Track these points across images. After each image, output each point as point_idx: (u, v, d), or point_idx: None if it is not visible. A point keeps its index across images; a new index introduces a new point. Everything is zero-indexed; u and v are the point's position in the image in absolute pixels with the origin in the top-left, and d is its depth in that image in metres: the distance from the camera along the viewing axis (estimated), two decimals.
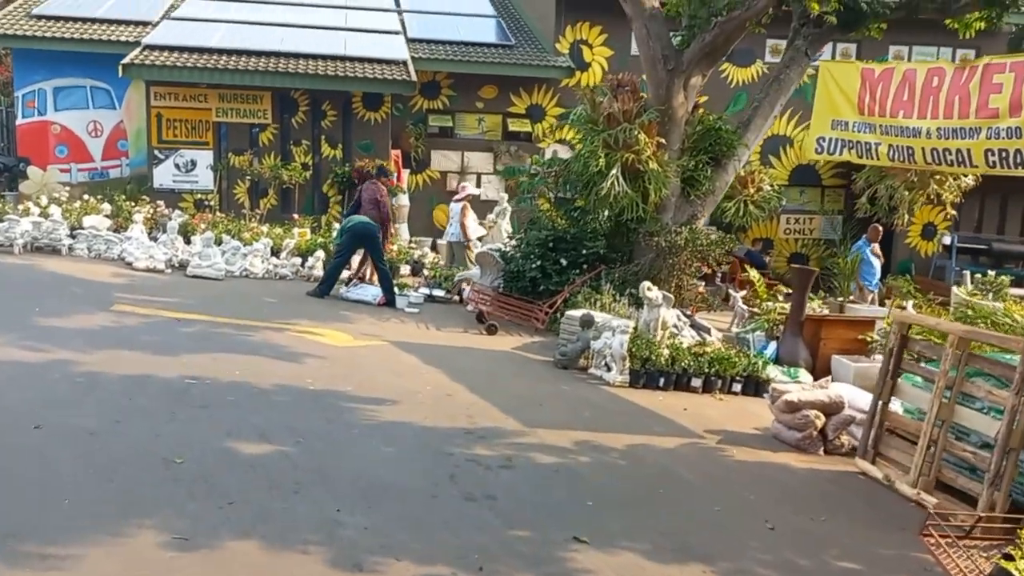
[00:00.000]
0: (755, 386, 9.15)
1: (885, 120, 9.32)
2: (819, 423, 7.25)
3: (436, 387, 7.91)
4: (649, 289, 9.87)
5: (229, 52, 15.69)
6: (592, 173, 11.19)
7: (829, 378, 7.75)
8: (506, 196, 16.96)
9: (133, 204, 14.26)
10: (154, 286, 11.06)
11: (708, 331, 11.07)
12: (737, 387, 9.10)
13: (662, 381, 8.94)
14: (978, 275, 13.82)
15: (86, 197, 14.68)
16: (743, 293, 13.16)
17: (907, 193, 12.04)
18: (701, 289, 12.76)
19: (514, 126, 18.31)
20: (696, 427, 7.63)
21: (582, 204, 12.00)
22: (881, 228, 11.98)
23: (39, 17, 17.17)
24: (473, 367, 8.90)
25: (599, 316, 9.77)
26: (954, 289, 11.79)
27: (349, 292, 11.81)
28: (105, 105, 17.49)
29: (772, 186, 13.49)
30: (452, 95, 18.02)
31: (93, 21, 17.28)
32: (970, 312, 10.36)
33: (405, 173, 17.44)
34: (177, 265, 12.34)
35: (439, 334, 10.42)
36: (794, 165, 18.63)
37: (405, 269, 14.50)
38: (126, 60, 14.84)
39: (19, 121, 17.25)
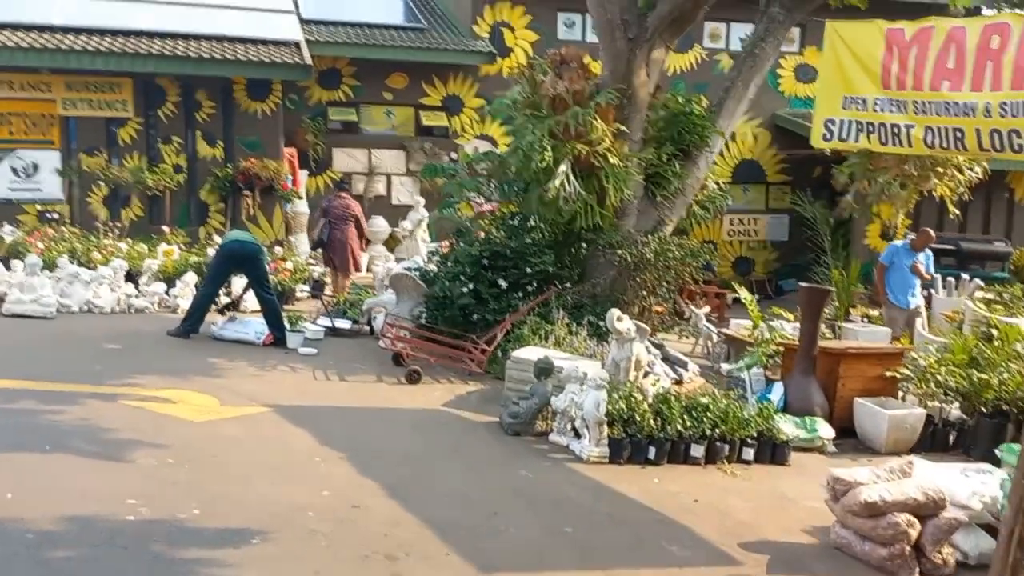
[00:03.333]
0: (771, 450, 6.58)
1: (922, 95, 6.90)
2: (913, 533, 4.69)
3: (336, 493, 5.01)
4: (619, 319, 7.17)
5: (77, 31, 12.28)
6: (535, 170, 8.46)
7: (911, 459, 5.27)
8: (422, 201, 14.12)
9: None
10: None
11: (685, 365, 8.50)
12: (749, 453, 6.50)
13: (652, 452, 6.26)
14: (951, 279, 11.79)
15: None
16: (705, 310, 10.64)
17: (902, 190, 9.77)
18: (658, 308, 10.15)
19: (428, 120, 15.43)
20: (725, 539, 4.96)
21: (521, 210, 9.24)
22: (933, 234, 9.48)
23: None
24: (390, 444, 6.05)
25: (561, 359, 7.04)
26: (966, 303, 9.54)
27: (224, 329, 8.75)
28: None
29: (717, 183, 11.02)
30: (356, 85, 15.01)
31: None
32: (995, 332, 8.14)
33: (302, 175, 14.36)
34: None
35: (343, 387, 7.50)
36: (737, 160, 16.38)
37: (303, 291, 11.48)
38: None
39: None
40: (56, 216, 12.17)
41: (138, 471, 5.03)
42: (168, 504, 4.58)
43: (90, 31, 12.29)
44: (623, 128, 8.65)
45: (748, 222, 16.81)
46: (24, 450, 5.09)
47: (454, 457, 5.95)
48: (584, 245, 9.02)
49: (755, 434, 6.54)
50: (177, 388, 6.82)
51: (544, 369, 6.78)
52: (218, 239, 12.24)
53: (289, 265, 11.56)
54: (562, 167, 8.44)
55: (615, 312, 7.20)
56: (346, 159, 15.09)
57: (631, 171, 8.73)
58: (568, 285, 8.87)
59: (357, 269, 11.47)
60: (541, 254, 8.75)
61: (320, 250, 11.32)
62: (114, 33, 12.34)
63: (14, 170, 12.29)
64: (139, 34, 12.46)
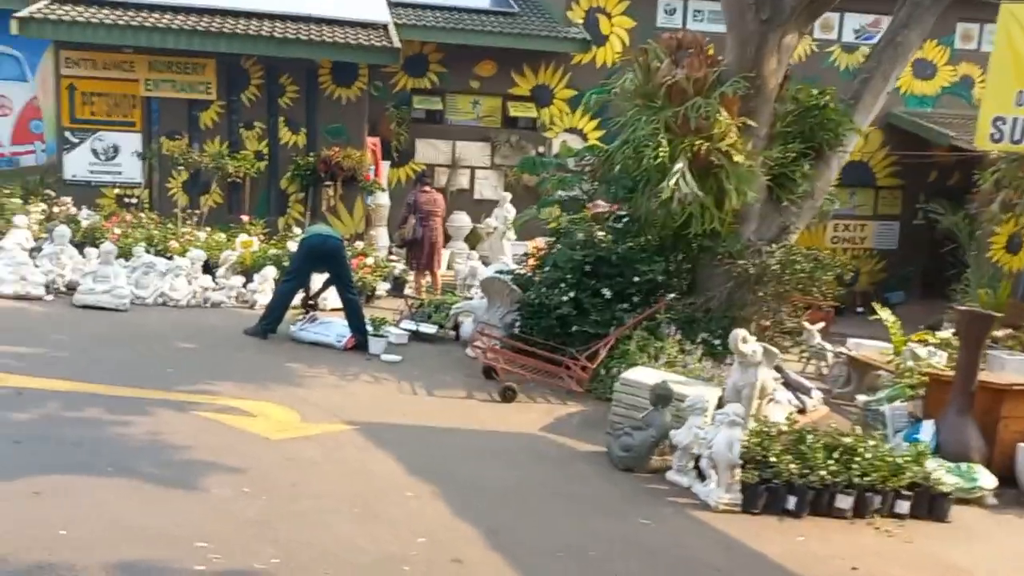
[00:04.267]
0: (928, 504, 5.62)
1: None
2: None
3: (432, 540, 4.28)
4: (744, 341, 6.29)
5: (163, 8, 11.85)
6: (646, 167, 7.60)
7: None
8: (508, 196, 13.36)
9: (24, 202, 10.45)
10: (13, 326, 7.33)
11: (808, 392, 7.57)
12: (903, 506, 5.56)
13: (792, 502, 5.37)
14: None
15: None
16: (819, 325, 9.61)
17: None
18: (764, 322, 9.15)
19: (516, 111, 14.64)
20: None
21: (627, 211, 8.37)
22: None
23: None
24: (487, 477, 5.31)
25: (675, 383, 6.19)
26: None
27: (304, 331, 8.14)
28: (14, 77, 13.62)
29: None
30: (442, 72, 14.31)
31: None
32: None
33: (384, 166, 13.75)
34: (64, 289, 8.59)
35: (431, 404, 6.78)
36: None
37: (383, 288, 10.84)
38: (23, 12, 11.00)
39: None
40: (135, 201, 11.79)
41: (210, 504, 4.37)
42: (243, 549, 3.90)
43: (176, 9, 11.85)
44: (750, 122, 7.71)
45: (854, 228, 15.58)
46: (85, 472, 4.49)
47: (560, 496, 5.17)
48: (695, 252, 8.11)
49: (910, 483, 5.60)
50: (255, 398, 6.20)
51: (662, 396, 5.94)
52: (297, 231, 11.70)
53: (370, 261, 10.93)
54: (678, 164, 7.56)
55: (740, 332, 6.33)
56: (429, 150, 14.43)
57: (755, 171, 7.79)
58: (677, 297, 7.98)
59: (440, 267, 10.78)
60: (651, 261, 7.88)
61: (404, 248, 10.66)
62: (200, 11, 11.88)
63: (95, 152, 11.95)
64: (224, 13, 11.96)
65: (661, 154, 7.52)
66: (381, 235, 13.07)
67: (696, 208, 7.61)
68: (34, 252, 8.99)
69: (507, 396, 7.02)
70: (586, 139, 14.84)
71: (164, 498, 4.36)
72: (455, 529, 4.48)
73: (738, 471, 5.34)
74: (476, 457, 5.63)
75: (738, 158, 7.55)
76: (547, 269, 8.09)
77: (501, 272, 8.51)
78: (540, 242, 12.12)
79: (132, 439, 5.09)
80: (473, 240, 13.94)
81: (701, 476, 5.65)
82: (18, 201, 10.49)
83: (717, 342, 7.58)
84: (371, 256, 11.29)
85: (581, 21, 14.48)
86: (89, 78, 11.82)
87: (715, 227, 7.70)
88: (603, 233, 8.26)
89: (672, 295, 7.96)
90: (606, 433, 6.38)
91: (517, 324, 8.06)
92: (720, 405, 6.04)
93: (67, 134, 11.88)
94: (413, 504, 4.73)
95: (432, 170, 14.34)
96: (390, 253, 12.71)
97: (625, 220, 8.40)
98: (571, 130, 14.87)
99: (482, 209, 14.09)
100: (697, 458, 5.58)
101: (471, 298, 10.86)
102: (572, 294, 7.75)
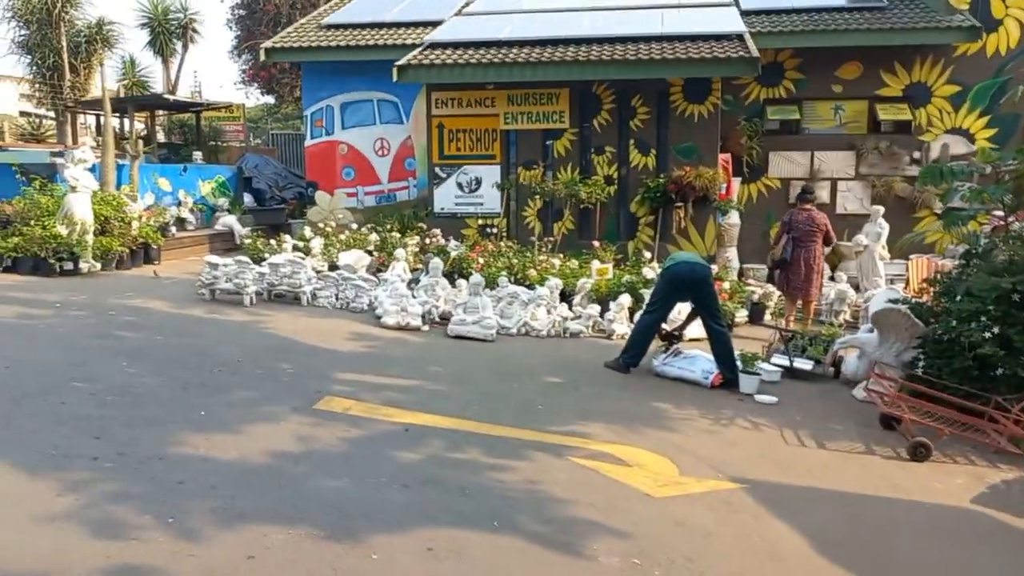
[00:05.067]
0: None
1: None
2: None
3: None
4: None
5: (521, 43, 12.16)
6: None
7: None
8: (880, 210, 11.75)
9: (401, 235, 11.14)
10: (396, 356, 7.60)
11: None
12: None
13: None
14: None
15: (353, 226, 11.90)
16: None
17: None
18: None
19: (885, 114, 12.96)
20: None
21: None
22: None
23: (329, 27, 15.00)
24: (917, 564, 4.19)
25: None
26: None
27: (667, 365, 7.53)
28: (392, 120, 14.93)
29: None
30: (799, 79, 13.11)
31: (382, 26, 14.75)
32: None
33: (735, 183, 12.85)
34: (438, 319, 8.87)
35: (824, 459, 5.75)
36: None
37: (741, 315, 9.93)
38: (402, 61, 11.85)
39: (307, 143, 15.17)
40: (495, 230, 12.13)
41: (600, 574, 3.86)
42: None
43: (532, 42, 12.07)
44: None
45: None
46: (472, 526, 4.21)
47: None
48: None
49: None
50: (627, 443, 5.67)
51: None
52: (647, 255, 11.24)
53: (727, 286, 10.08)
54: None
55: None
56: (784, 163, 13.27)
57: None
58: None
59: (818, 295, 9.60)
60: None
61: (777, 271, 9.67)
62: (554, 43, 11.98)
63: (460, 185, 12.54)
64: (577, 42, 11.94)
65: None
66: (732, 256, 12.17)
67: None
68: (411, 284, 9.45)
69: (919, 454, 5.77)
70: (973, 140, 12.72)
71: (552, 564, 3.93)
72: None
73: None
74: (904, 539, 4.53)
75: None
76: (959, 298, 6.63)
77: (894, 301, 7.19)
78: (935, 262, 10.39)
79: (512, 487, 4.78)
80: (833, 259, 12.48)
81: None
82: (398, 235, 11.23)
83: None
84: (727, 280, 10.44)
85: (967, 6, 12.41)
86: (455, 116, 12.44)
87: None
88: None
89: None
90: None
91: (920, 364, 6.71)
92: None
93: (436, 169, 12.60)
94: None
95: (787, 184, 13.19)
96: (740, 275, 11.77)
97: None
98: (954, 130, 12.83)
99: (845, 224, 12.63)
100: None
101: (846, 326, 9.58)
102: (997, 329, 6.25)
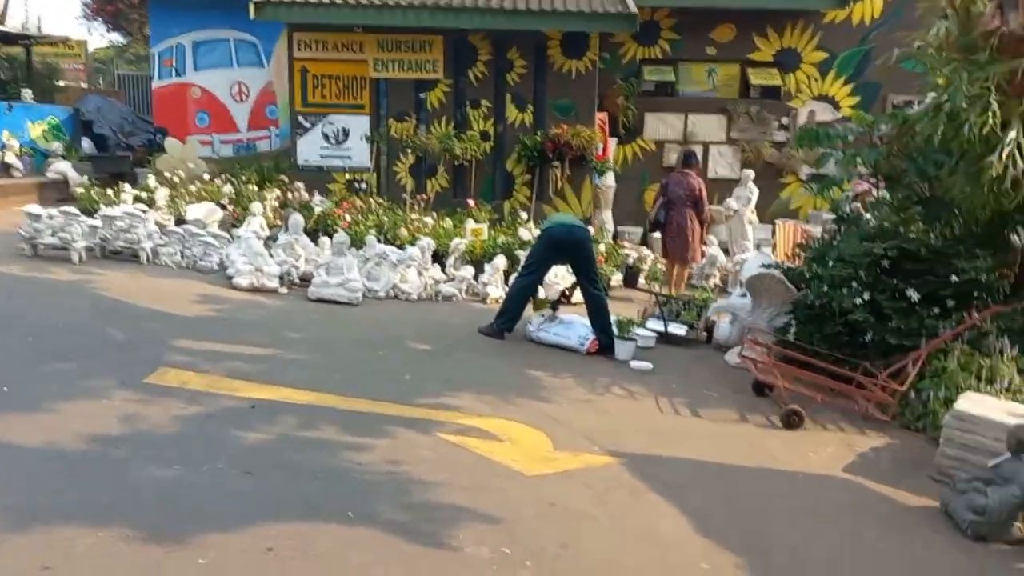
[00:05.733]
0: None
1: None
2: None
3: None
4: None
5: None
6: (969, 138, 5.91)
7: None
8: (751, 174, 11.86)
9: (259, 188, 10.29)
10: (248, 321, 6.92)
11: None
12: None
13: None
14: None
15: (206, 177, 10.93)
16: None
17: None
18: None
19: (756, 78, 13.01)
20: None
21: (938, 192, 6.70)
22: None
23: None
24: (803, 547, 4.05)
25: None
26: None
27: (543, 331, 7.21)
28: (252, 63, 13.84)
29: None
30: (675, 39, 12.97)
31: None
32: None
33: (612, 144, 12.64)
34: (298, 281, 8.19)
35: (700, 428, 5.59)
36: None
37: (616, 279, 9.76)
38: None
39: (155, 84, 13.85)
40: (364, 186, 11.45)
41: (465, 569, 3.47)
42: None
43: None
44: None
45: None
46: (323, 518, 3.72)
47: None
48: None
49: None
50: (499, 416, 5.30)
51: None
52: (523, 215, 10.89)
53: (602, 248, 9.87)
54: (1011, 133, 5.84)
55: None
56: (660, 125, 13.15)
57: None
58: (996, 299, 6.26)
59: (695, 260, 9.51)
60: (972, 257, 6.21)
61: (656, 234, 9.52)
62: None
63: (326, 136, 11.74)
64: None
65: (990, 121, 5.82)
66: (607, 219, 12.01)
67: None
68: (269, 241, 8.71)
69: (791, 422, 5.69)
70: (838, 107, 13.00)
71: (412, 558, 3.50)
72: None
73: None
74: (780, 512, 4.39)
75: None
76: (831, 264, 6.61)
77: (769, 266, 7.12)
78: (800, 227, 10.53)
79: (372, 470, 4.31)
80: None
81: None
82: (255, 188, 10.37)
83: None
84: (602, 242, 10.24)
85: None
86: (320, 60, 11.58)
87: None
88: (903, 221, 6.63)
89: (995, 299, 6.26)
90: (930, 478, 4.95)
91: (792, 330, 6.67)
92: None
93: (300, 118, 11.74)
94: None
95: (661, 147, 13.11)
96: (615, 237, 11.64)
97: (929, 203, 6.72)
98: (821, 98, 13.06)
99: (716, 189, 12.64)
100: None
101: (717, 290, 9.57)
102: (867, 296, 6.25)
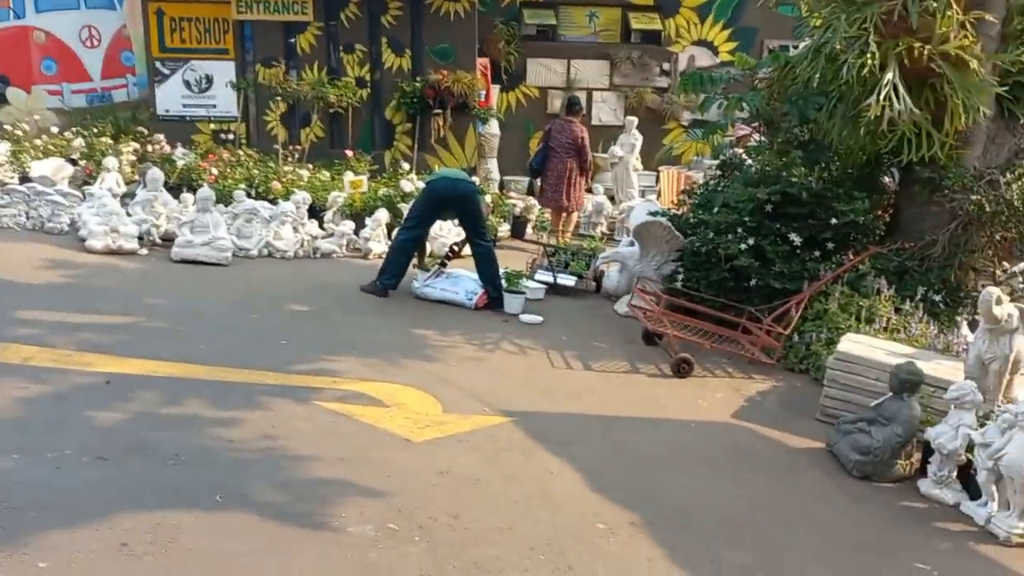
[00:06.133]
0: None
1: None
2: None
3: None
4: (999, 303, 4.74)
5: None
6: (848, 80, 5.95)
7: None
8: (635, 121, 11.78)
9: (114, 141, 9.45)
10: (103, 288, 6.31)
11: None
12: None
13: None
14: None
15: (54, 130, 9.97)
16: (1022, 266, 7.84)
17: None
18: None
19: (637, 23, 12.89)
20: None
21: (817, 135, 6.76)
22: None
23: None
24: (695, 499, 4.00)
25: (922, 363, 4.72)
26: None
27: (429, 287, 6.92)
28: (102, 4, 12.63)
29: None
30: None
31: None
32: None
33: (494, 90, 12.29)
34: (160, 241, 7.56)
35: (591, 381, 5.48)
36: None
37: (503, 229, 9.56)
38: None
39: None
40: (231, 137, 10.72)
41: (348, 552, 3.21)
42: None
43: None
44: (989, 17, 5.93)
45: None
46: (187, 505, 3.37)
47: (800, 525, 3.84)
48: (910, 186, 6.48)
49: None
50: (385, 379, 5.02)
51: (909, 382, 4.49)
52: (405, 166, 10.47)
53: (488, 199, 9.60)
54: (888, 75, 5.90)
55: (993, 292, 4.75)
56: (542, 71, 12.87)
57: (988, 80, 6.05)
58: (879, 242, 6.42)
59: (576, 208, 9.38)
60: (850, 199, 6.30)
61: (538, 182, 9.34)
62: None
63: (187, 83, 10.89)
64: None
65: (868, 62, 5.86)
66: (493, 168, 11.73)
67: (909, 129, 5.97)
68: (126, 199, 7.98)
69: (681, 371, 5.67)
70: (717, 53, 13.06)
71: (289, 543, 3.22)
72: None
73: None
74: (672, 464, 4.32)
75: (975, 66, 5.83)
76: (716, 210, 6.58)
77: (656, 213, 7.05)
78: (684, 173, 10.56)
79: (244, 447, 3.97)
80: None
81: (967, 488, 4.25)
82: (109, 140, 9.51)
83: (938, 298, 6.03)
84: (488, 193, 9.97)
85: None
86: (178, 1, 10.66)
87: (936, 153, 6.04)
88: (786, 165, 6.66)
89: (869, 240, 6.42)
90: (817, 419, 5.04)
91: (680, 277, 6.63)
92: None
93: (158, 64, 10.83)
94: (612, 546, 3.48)
95: (545, 93, 12.87)
96: (501, 187, 11.41)
97: (809, 146, 6.78)
98: (700, 43, 13.08)
99: (600, 136, 12.53)
100: (975, 472, 4.15)
101: (605, 239, 9.51)
102: (751, 241, 6.26)
